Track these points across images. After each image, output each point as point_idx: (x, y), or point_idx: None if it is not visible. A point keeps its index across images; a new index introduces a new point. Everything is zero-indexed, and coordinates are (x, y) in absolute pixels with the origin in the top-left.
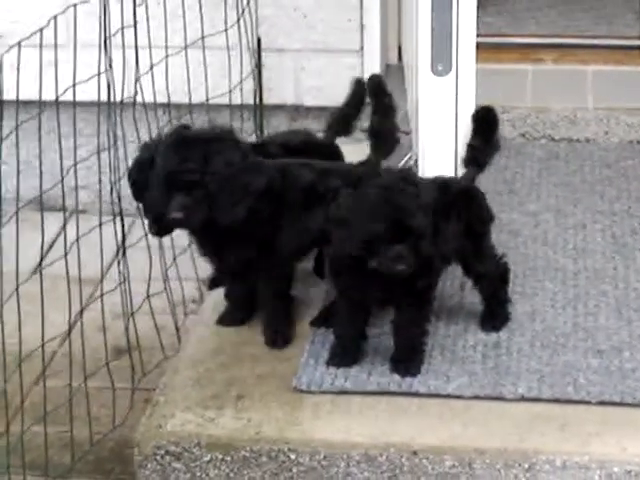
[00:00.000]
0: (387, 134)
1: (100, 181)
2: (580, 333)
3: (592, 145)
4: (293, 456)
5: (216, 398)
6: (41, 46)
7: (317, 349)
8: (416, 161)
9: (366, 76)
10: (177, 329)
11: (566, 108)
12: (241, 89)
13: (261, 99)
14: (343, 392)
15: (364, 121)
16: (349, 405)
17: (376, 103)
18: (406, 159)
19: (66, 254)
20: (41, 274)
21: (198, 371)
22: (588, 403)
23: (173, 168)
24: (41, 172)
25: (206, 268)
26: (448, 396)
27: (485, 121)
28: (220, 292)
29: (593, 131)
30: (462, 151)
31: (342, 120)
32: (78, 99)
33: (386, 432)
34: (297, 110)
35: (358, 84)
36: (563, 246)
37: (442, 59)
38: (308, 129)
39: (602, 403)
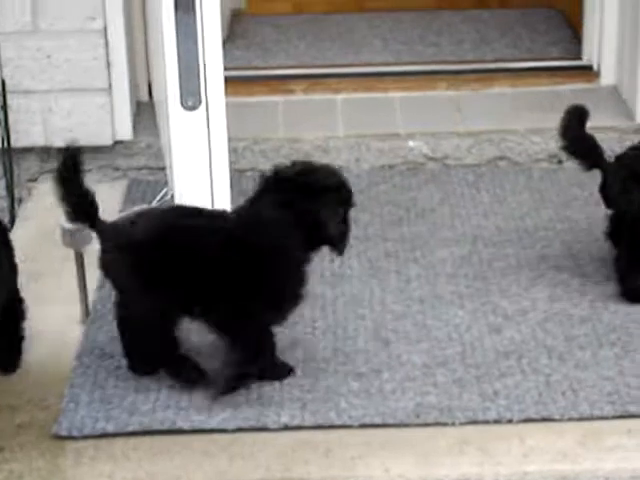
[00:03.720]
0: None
1: None
2: (340, 357)
3: (345, 172)
4: None
5: None
6: None
7: (77, 393)
8: (172, 196)
9: (116, 115)
10: None
11: (318, 137)
12: None
13: (9, 142)
14: (105, 435)
15: None
16: (112, 448)
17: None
18: (161, 194)
19: None
20: None
21: None
22: (350, 427)
23: None
24: None
25: None
26: (212, 431)
27: None
28: None
29: (345, 159)
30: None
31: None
32: None
33: (151, 473)
34: (47, 152)
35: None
36: (321, 273)
37: (191, 93)
38: None
39: (364, 426)
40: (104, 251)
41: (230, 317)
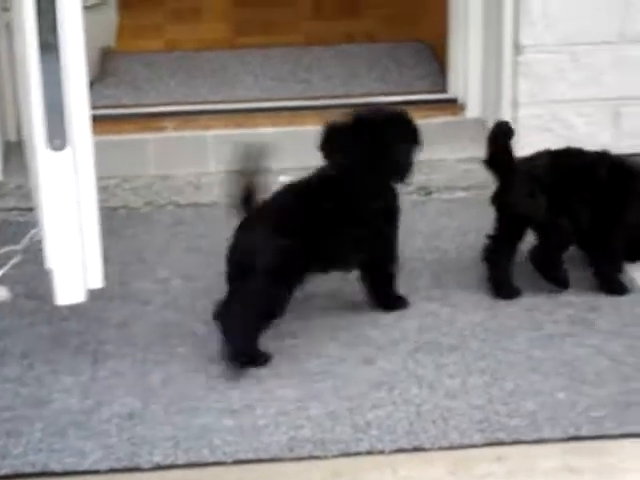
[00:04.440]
0: None
1: None
2: (214, 395)
3: (218, 208)
4: None
5: None
6: None
7: None
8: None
9: None
10: None
11: (190, 173)
12: None
13: None
14: None
15: None
16: None
17: None
18: (30, 236)
19: None
20: None
21: None
22: (224, 463)
23: None
24: None
25: None
26: (85, 472)
27: None
28: None
29: (218, 194)
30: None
31: None
32: None
33: None
34: None
35: None
36: (193, 310)
37: (57, 134)
38: None
39: (238, 462)
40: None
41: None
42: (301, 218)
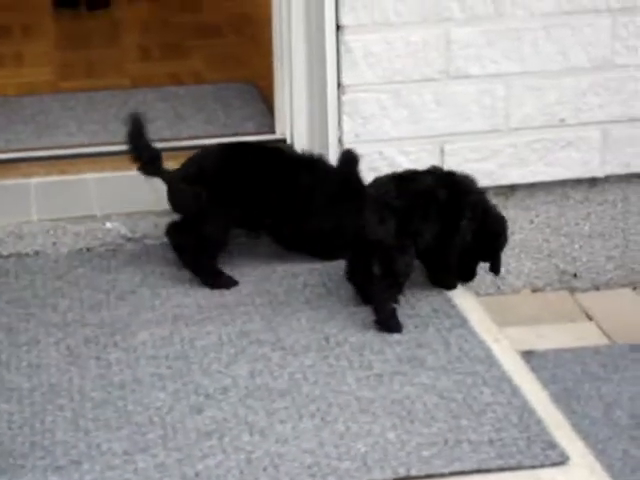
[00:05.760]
0: None
1: None
2: (38, 451)
3: (42, 258)
4: None
5: None
6: None
7: None
8: None
9: None
10: None
11: (10, 223)
12: None
13: None
14: None
15: None
16: None
17: None
18: None
19: None
20: None
21: None
22: None
23: None
24: None
25: None
26: None
27: None
28: None
29: (41, 243)
30: None
31: None
32: None
33: None
34: None
35: None
36: (17, 364)
37: None
38: None
39: None
40: None
41: None
42: None
